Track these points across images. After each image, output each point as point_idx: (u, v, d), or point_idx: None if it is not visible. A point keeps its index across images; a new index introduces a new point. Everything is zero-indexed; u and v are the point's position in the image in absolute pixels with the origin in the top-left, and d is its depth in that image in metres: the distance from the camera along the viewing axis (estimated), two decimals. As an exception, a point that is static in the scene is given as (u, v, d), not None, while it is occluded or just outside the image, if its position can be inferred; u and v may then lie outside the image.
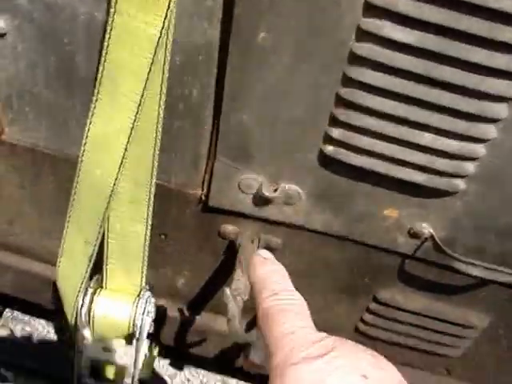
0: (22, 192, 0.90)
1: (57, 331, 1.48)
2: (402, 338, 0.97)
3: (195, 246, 0.90)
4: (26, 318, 1.49)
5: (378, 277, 0.87)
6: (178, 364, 1.47)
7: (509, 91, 0.59)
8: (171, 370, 1.47)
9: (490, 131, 0.63)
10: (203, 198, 0.81)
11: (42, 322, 1.49)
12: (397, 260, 0.83)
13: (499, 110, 0.61)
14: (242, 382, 1.49)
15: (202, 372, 1.49)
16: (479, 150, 0.65)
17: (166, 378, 1.44)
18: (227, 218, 0.83)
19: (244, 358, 0.99)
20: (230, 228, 0.84)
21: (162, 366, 1.47)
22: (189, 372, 1.48)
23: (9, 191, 0.91)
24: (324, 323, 0.94)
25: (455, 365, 1.02)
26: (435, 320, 0.91)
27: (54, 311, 1.10)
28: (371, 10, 0.56)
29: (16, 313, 1.49)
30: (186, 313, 1.03)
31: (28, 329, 1.47)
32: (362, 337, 0.99)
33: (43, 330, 1.48)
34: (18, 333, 1.42)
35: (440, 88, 0.60)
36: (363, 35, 0.58)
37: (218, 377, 1.49)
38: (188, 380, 1.47)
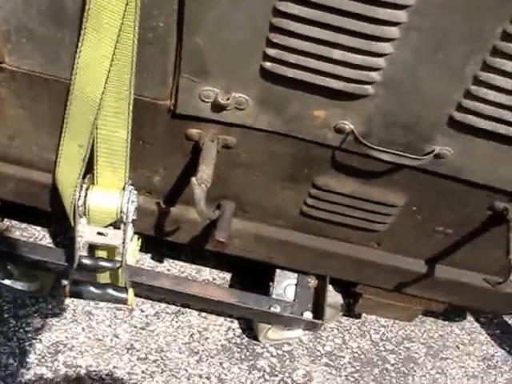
0: (22, 112, 1.09)
1: (51, 235, 1.69)
2: (338, 217, 1.20)
3: (168, 148, 1.11)
4: (24, 225, 1.71)
5: (315, 166, 1.09)
6: (158, 257, 1.71)
7: (395, 18, 0.79)
8: (153, 263, 1.70)
9: (386, 48, 0.83)
10: (172, 107, 1.01)
11: (38, 228, 1.71)
12: (328, 152, 1.05)
13: (391, 31, 0.81)
14: (215, 270, 1.74)
15: (180, 263, 1.74)
16: (380, 62, 0.86)
17: (149, 267, 1.68)
18: (192, 123, 1.04)
19: (211, 239, 1.21)
20: (194, 131, 1.05)
21: (145, 259, 1.70)
22: (168, 263, 1.72)
23: (10, 111, 1.09)
24: (276, 208, 1.18)
25: (383, 238, 1.26)
26: (362, 201, 1.14)
27: (49, 213, 1.31)
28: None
29: (13, 221, 1.70)
30: (163, 205, 1.25)
31: (25, 234, 1.69)
32: (306, 218, 1.22)
33: (39, 234, 1.70)
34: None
35: (345, 16, 0.80)
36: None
37: (194, 266, 1.73)
38: (168, 270, 1.71)
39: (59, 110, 1.02)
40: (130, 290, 1.14)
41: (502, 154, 0.98)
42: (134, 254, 1.33)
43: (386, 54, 0.85)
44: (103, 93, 0.89)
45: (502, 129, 0.92)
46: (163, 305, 1.63)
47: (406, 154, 0.97)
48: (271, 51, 0.87)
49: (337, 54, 0.85)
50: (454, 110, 0.91)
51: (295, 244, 1.28)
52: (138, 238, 1.36)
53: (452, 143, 0.97)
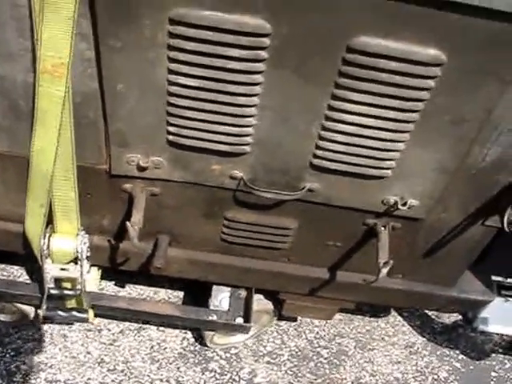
0: (-4, 179, 1.41)
1: (27, 272, 2.01)
2: (250, 241, 1.53)
3: (110, 199, 1.44)
4: (2, 266, 2.02)
5: (223, 204, 1.42)
6: (120, 283, 2.03)
7: (251, 102, 1.13)
8: (116, 288, 2.03)
9: (251, 121, 1.18)
10: (108, 170, 1.34)
11: (16, 267, 2.03)
12: (230, 193, 1.38)
13: (251, 111, 1.16)
14: (170, 290, 2.07)
15: (139, 286, 2.06)
16: (249, 131, 1.20)
17: (112, 293, 2.00)
18: (125, 180, 1.37)
19: (151, 266, 1.53)
20: (127, 186, 1.38)
21: (109, 285, 2.02)
22: (128, 288, 2.04)
23: (-15, 179, 1.42)
24: (201, 237, 1.51)
25: (290, 254, 1.60)
26: (264, 227, 1.48)
27: (23, 256, 1.63)
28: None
29: (-6, 263, 2.01)
30: (113, 242, 1.57)
31: (5, 273, 2.00)
32: (226, 243, 1.56)
33: (17, 272, 2.01)
34: (-2, 276, 1.94)
35: (219, 104, 1.14)
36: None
37: (151, 288, 2.06)
38: (129, 293, 2.03)
39: (24, 178, 1.34)
40: (90, 311, 1.47)
41: (358, 185, 1.32)
42: (96, 282, 1.66)
43: (252, 125, 1.19)
44: (53, 166, 1.22)
45: (350, 169, 1.27)
46: (127, 323, 1.95)
47: (283, 192, 1.31)
48: (171, 129, 1.21)
49: (219, 127, 1.19)
50: (311, 157, 1.25)
51: (222, 264, 1.61)
52: (99, 269, 1.69)
53: (318, 180, 1.31)
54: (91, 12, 1.02)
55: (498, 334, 2.21)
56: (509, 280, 1.97)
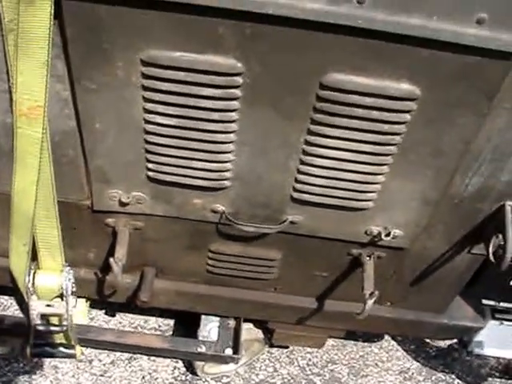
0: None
1: (17, 302, 2.01)
2: (235, 272, 1.53)
3: (94, 233, 1.44)
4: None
5: (206, 237, 1.43)
6: (110, 313, 2.03)
7: (228, 139, 1.14)
8: (107, 317, 2.03)
9: (229, 157, 1.18)
10: (90, 205, 1.35)
11: (6, 297, 2.03)
12: (213, 226, 1.38)
13: (229, 147, 1.16)
14: (160, 319, 2.06)
15: (130, 315, 2.06)
16: (228, 166, 1.20)
17: (102, 323, 2.00)
18: (108, 215, 1.37)
19: (137, 299, 1.53)
20: (110, 220, 1.39)
21: (100, 315, 2.02)
22: (119, 317, 2.04)
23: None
24: (187, 269, 1.50)
25: (277, 284, 1.60)
26: (249, 258, 1.48)
27: (11, 289, 1.63)
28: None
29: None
30: (99, 275, 1.58)
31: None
32: (212, 274, 1.56)
33: (7, 303, 2.02)
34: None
35: (197, 141, 1.15)
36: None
37: (142, 317, 2.06)
38: (120, 322, 2.03)
39: (7, 214, 1.35)
40: (78, 347, 1.46)
41: (340, 217, 1.32)
42: (83, 314, 1.66)
43: (230, 161, 1.19)
44: (35, 206, 1.22)
45: (331, 201, 1.27)
46: (118, 353, 1.95)
47: (264, 225, 1.31)
48: (150, 165, 1.21)
49: (197, 164, 1.19)
50: (292, 191, 1.26)
51: (209, 295, 1.61)
52: (87, 301, 1.69)
53: (300, 213, 1.32)
54: (65, 54, 1.03)
55: (494, 358, 2.19)
56: (502, 304, 1.95)
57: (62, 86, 1.09)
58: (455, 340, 2.23)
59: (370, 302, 1.37)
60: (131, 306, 1.78)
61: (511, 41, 0.92)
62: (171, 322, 2.06)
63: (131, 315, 2.06)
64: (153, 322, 2.06)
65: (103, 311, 2.04)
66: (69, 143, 1.20)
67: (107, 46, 0.99)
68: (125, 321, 2.04)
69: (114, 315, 2.04)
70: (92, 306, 2.02)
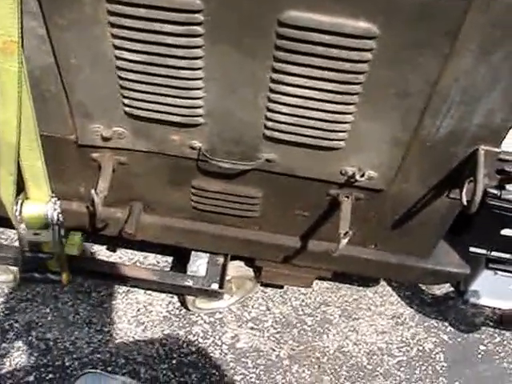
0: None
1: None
2: (219, 209, 1.58)
3: (82, 168, 1.51)
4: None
5: (188, 173, 1.48)
6: (112, 247, 2.12)
7: (195, 75, 1.18)
8: (108, 252, 2.12)
9: (199, 93, 1.22)
10: (75, 139, 1.41)
11: (13, 230, 2.12)
12: (193, 162, 1.43)
13: (198, 84, 1.20)
14: (159, 255, 2.14)
15: (130, 251, 2.15)
16: (199, 102, 1.24)
17: (103, 257, 2.09)
18: (93, 150, 1.43)
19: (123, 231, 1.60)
20: (95, 155, 1.45)
21: (101, 250, 2.11)
22: (119, 252, 2.13)
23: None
24: (173, 204, 1.56)
25: (260, 222, 1.65)
26: (231, 195, 1.53)
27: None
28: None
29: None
30: (91, 208, 1.65)
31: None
32: (197, 210, 1.62)
33: (14, 236, 2.11)
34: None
35: (169, 78, 1.19)
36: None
37: (142, 253, 2.14)
38: (120, 257, 2.12)
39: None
40: (64, 274, 1.55)
41: (314, 156, 1.36)
42: (78, 247, 1.74)
43: (201, 97, 1.23)
44: (18, 137, 1.29)
45: (302, 140, 1.30)
46: (116, 286, 2.04)
47: (239, 162, 1.36)
48: (126, 101, 1.26)
49: (169, 100, 1.24)
50: (264, 128, 1.29)
51: (195, 230, 1.67)
52: (82, 235, 1.77)
53: (273, 151, 1.35)
54: (36, -9, 1.08)
55: (489, 308, 2.21)
56: (493, 253, 1.97)
57: (37, 23, 1.14)
58: (451, 289, 2.26)
59: (344, 241, 1.41)
60: (132, 242, 1.85)
61: None
62: (170, 259, 2.14)
63: (131, 251, 2.14)
64: (152, 258, 2.14)
65: (105, 246, 2.13)
66: (50, 79, 1.25)
67: (74, -19, 1.04)
68: (125, 256, 2.13)
69: (114, 251, 2.12)
70: (95, 242, 2.11)
